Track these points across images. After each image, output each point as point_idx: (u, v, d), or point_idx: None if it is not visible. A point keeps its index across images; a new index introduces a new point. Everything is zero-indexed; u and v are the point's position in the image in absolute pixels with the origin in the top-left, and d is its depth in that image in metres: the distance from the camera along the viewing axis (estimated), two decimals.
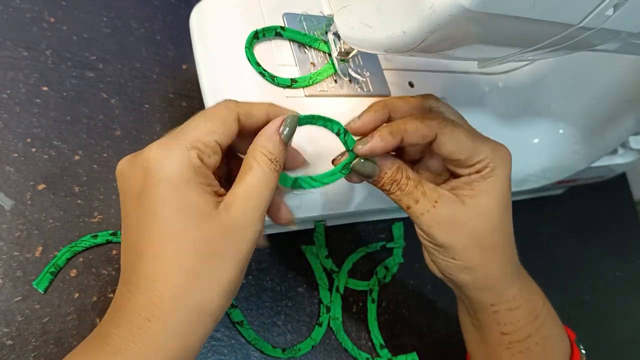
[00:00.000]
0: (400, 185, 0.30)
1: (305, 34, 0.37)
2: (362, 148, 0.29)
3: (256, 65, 0.34)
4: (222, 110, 0.26)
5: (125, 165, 0.26)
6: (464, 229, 0.30)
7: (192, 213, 0.24)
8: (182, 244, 0.23)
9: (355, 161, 0.30)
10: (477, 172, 0.30)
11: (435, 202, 0.30)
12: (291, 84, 0.35)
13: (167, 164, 0.24)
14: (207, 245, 0.24)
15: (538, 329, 0.33)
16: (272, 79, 0.35)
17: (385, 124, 0.30)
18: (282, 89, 0.35)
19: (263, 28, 0.35)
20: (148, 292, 0.23)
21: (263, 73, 0.34)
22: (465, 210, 0.30)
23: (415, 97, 0.32)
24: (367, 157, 0.30)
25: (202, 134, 0.25)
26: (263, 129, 0.27)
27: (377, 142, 0.29)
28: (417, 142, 0.29)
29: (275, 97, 0.34)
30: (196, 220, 0.24)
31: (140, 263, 0.24)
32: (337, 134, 0.29)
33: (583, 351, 0.35)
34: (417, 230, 0.31)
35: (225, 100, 0.27)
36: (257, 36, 0.35)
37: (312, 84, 0.36)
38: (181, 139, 0.25)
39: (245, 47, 0.34)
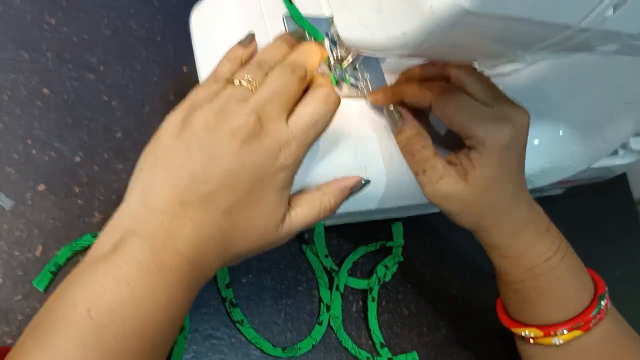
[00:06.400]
0: (414, 150, 0.34)
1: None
2: (370, 95, 0.36)
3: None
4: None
5: None
6: (459, 202, 0.34)
7: None
8: None
9: (392, 106, 0.35)
10: (473, 147, 0.33)
11: (440, 178, 0.33)
12: None
13: None
14: None
15: (534, 278, 0.35)
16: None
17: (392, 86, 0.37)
18: None
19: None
20: None
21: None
22: (464, 188, 0.33)
23: (444, 65, 0.35)
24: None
25: None
26: (342, 183, 0.32)
27: (379, 94, 0.36)
28: (415, 104, 0.35)
29: None
30: None
31: None
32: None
33: (602, 302, 0.35)
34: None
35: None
36: None
37: None
38: None
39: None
